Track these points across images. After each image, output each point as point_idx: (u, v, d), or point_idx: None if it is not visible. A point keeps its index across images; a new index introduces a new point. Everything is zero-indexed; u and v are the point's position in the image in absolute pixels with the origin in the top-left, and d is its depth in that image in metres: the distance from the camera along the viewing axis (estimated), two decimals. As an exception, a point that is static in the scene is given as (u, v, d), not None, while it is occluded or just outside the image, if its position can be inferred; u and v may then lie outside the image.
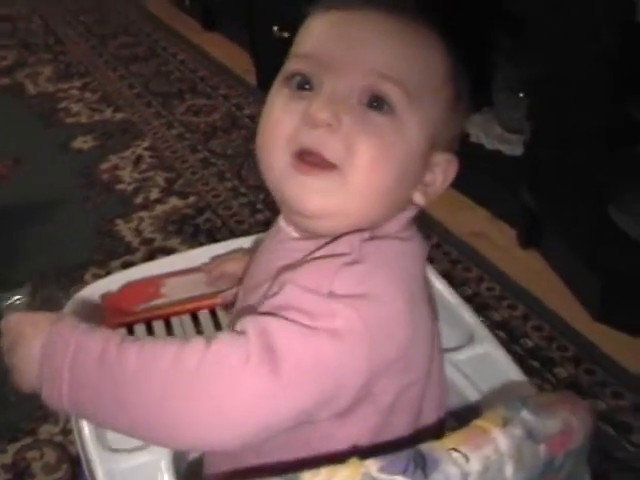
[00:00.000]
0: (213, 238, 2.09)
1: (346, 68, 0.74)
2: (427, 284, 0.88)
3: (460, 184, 2.31)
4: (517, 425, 0.71)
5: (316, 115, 0.73)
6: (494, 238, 2.10)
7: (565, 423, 0.74)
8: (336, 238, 0.77)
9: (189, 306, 1.06)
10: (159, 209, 2.26)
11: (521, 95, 2.12)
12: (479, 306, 1.87)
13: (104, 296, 1.06)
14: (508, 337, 1.72)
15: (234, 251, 1.09)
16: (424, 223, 2.18)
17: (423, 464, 0.67)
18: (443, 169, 0.83)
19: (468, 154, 2.37)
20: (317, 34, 0.78)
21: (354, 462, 0.66)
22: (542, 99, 1.83)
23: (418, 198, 0.82)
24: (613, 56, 1.52)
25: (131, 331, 1.02)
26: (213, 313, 1.07)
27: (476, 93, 2.40)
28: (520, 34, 1.99)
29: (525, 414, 0.72)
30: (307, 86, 0.76)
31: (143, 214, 2.23)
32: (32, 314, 0.75)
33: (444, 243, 2.11)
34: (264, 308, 0.74)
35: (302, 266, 0.75)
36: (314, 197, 0.75)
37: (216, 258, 1.09)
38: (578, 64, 1.69)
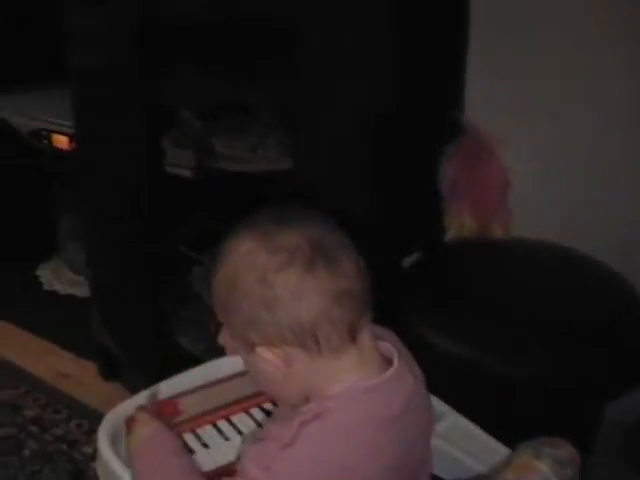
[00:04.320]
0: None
1: None
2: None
3: (41, 330, 2.42)
4: (546, 457, 1.02)
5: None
6: (79, 376, 2.23)
7: (570, 452, 1.05)
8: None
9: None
10: None
11: (84, 242, 2.30)
12: (71, 443, 2.00)
13: (129, 419, 1.20)
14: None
15: None
16: (11, 373, 2.25)
17: None
18: (272, 358, 1.01)
19: (45, 301, 2.48)
20: None
21: None
22: (97, 245, 2.02)
23: (278, 376, 1.02)
24: (150, 203, 1.77)
25: None
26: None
27: (42, 242, 2.53)
28: (75, 188, 2.18)
29: (546, 449, 1.03)
30: None
31: None
32: (152, 420, 1.14)
33: (33, 389, 2.19)
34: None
35: (260, 441, 1.00)
36: None
37: None
38: (119, 213, 1.93)
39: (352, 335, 1.00)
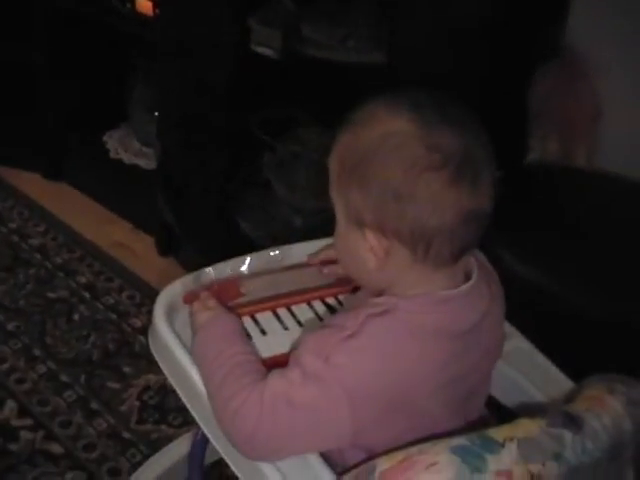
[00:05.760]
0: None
1: None
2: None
3: (102, 198, 2.42)
4: (619, 393, 0.96)
5: None
6: (135, 248, 2.22)
7: None
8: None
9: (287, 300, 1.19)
10: None
11: (156, 114, 2.25)
12: (121, 314, 1.99)
13: (189, 294, 1.16)
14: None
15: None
16: (67, 237, 2.25)
17: (574, 421, 0.92)
18: (376, 245, 0.96)
19: (109, 169, 2.48)
20: None
21: (528, 420, 0.90)
22: (170, 118, 1.97)
23: (371, 263, 0.97)
24: (230, 81, 1.70)
25: None
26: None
27: (113, 110, 2.51)
28: (154, 57, 2.13)
29: (619, 386, 0.98)
30: None
31: None
32: (215, 305, 1.09)
33: (88, 255, 2.19)
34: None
35: (318, 329, 0.99)
36: None
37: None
38: (198, 88, 1.86)
39: (461, 256, 0.96)
